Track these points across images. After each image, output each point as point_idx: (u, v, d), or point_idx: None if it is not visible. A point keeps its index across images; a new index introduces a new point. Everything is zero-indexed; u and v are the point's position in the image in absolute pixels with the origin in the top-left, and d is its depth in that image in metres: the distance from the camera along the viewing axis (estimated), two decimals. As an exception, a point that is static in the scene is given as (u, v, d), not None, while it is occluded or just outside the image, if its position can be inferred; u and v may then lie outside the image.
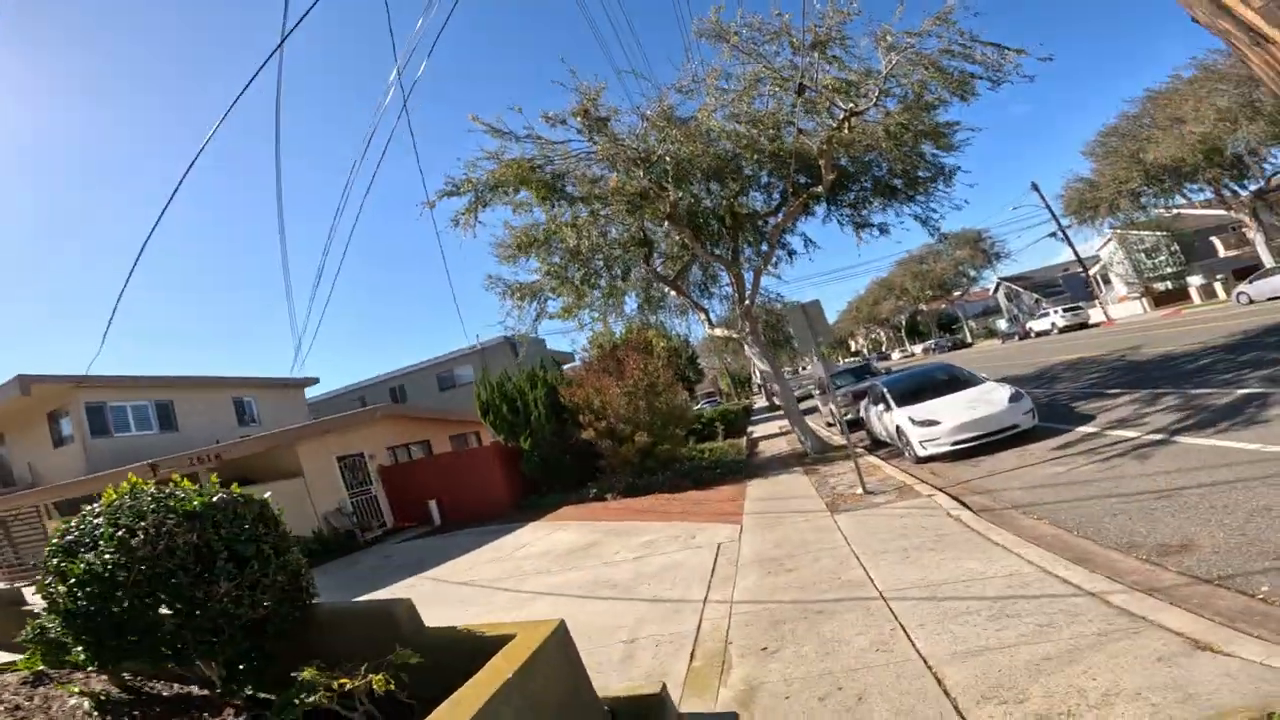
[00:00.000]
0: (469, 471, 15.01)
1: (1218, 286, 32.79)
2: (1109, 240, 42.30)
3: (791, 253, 15.98)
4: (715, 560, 7.26)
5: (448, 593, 8.77)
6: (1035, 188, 35.09)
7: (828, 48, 10.51)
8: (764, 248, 15.18)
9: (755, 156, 13.50)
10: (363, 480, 15.74)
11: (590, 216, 14.96)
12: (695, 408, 43.07)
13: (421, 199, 12.86)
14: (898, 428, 10.82)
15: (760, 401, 52.64)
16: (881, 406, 11.88)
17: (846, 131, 12.35)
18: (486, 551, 11.04)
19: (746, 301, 14.57)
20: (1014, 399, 10.03)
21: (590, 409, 13.45)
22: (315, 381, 26.14)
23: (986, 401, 10.15)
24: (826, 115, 11.94)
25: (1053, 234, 38.22)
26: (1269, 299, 24.60)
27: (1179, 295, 37.49)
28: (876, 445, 13.29)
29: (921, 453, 10.13)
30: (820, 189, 12.95)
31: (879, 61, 11.02)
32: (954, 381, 11.61)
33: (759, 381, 55.98)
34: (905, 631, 4.21)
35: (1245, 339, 14.73)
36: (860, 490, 8.82)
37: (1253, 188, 27.77)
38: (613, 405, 13.13)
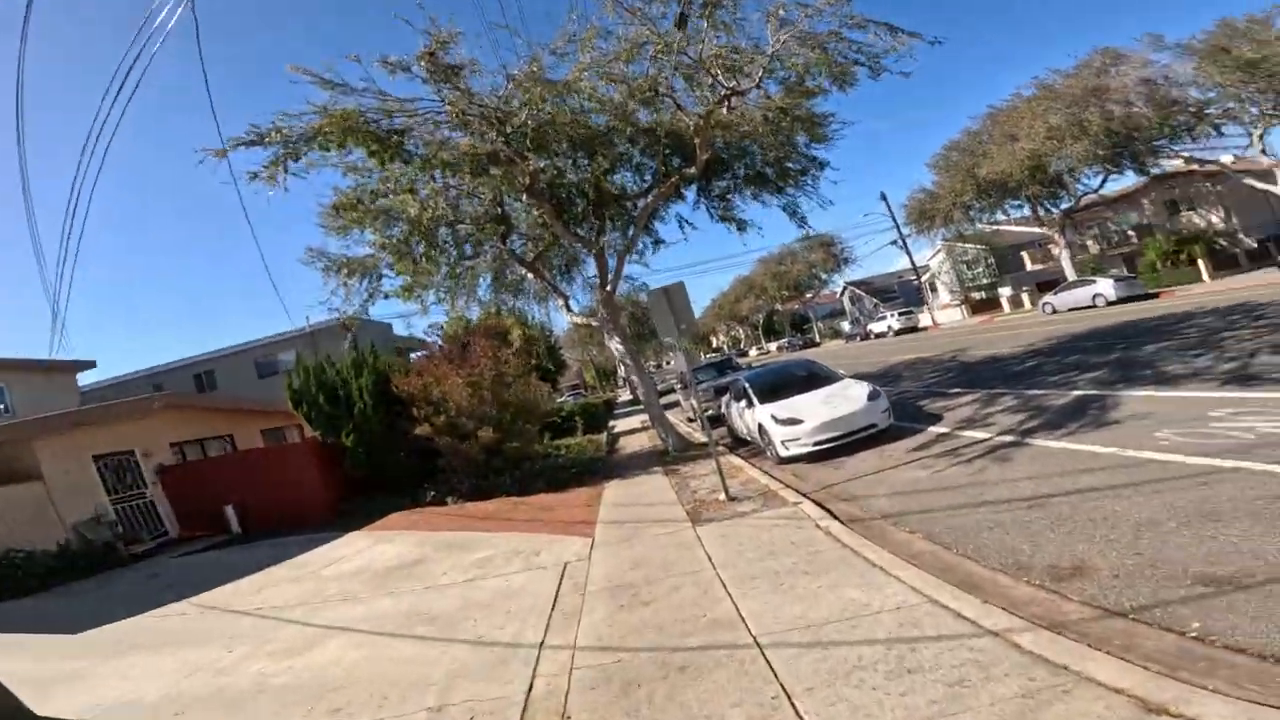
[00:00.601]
0: (277, 471, 12.58)
1: (1024, 297, 37.13)
2: (938, 251, 46.69)
3: (659, 241, 15.16)
4: (560, 585, 6.05)
5: (216, 626, 6.82)
6: (883, 197, 37.75)
7: (717, 10, 9.61)
8: (630, 231, 14.18)
9: (629, 130, 12.43)
10: (134, 483, 12.70)
11: (440, 186, 13.14)
12: (559, 400, 41.64)
13: (215, 146, 10.25)
14: (760, 426, 10.27)
15: (625, 395, 52.40)
16: (744, 403, 11.32)
17: (725, 112, 11.63)
18: (285, 569, 9.03)
19: (608, 288, 13.50)
20: (872, 397, 9.82)
21: (428, 401, 11.68)
22: (90, 365, 21.44)
23: (846, 399, 9.85)
24: (708, 90, 11.12)
25: (894, 242, 41.42)
26: (1069, 309, 28.01)
27: (992, 304, 42.17)
28: (738, 443, 12.83)
29: (784, 453, 9.62)
30: (693, 170, 12.14)
31: (768, 40, 10.34)
32: (814, 378, 11.33)
33: (623, 375, 55.77)
34: (791, 701, 3.25)
35: (1060, 344, 16.14)
36: (723, 496, 8.03)
37: (1064, 206, 31.52)
38: (454, 397, 11.46)
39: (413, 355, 19.13)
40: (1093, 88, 23.20)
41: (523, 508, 10.26)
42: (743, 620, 4.34)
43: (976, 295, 44.40)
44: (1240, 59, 19.20)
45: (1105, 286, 26.94)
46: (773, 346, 65.33)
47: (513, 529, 8.86)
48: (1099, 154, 24.17)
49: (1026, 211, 32.46)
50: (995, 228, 38.13)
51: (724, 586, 5.04)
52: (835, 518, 6.51)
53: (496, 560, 7.40)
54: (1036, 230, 43.80)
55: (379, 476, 12.77)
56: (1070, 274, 31.23)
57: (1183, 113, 22.70)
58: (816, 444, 9.38)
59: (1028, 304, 36.50)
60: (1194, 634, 3.28)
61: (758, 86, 10.87)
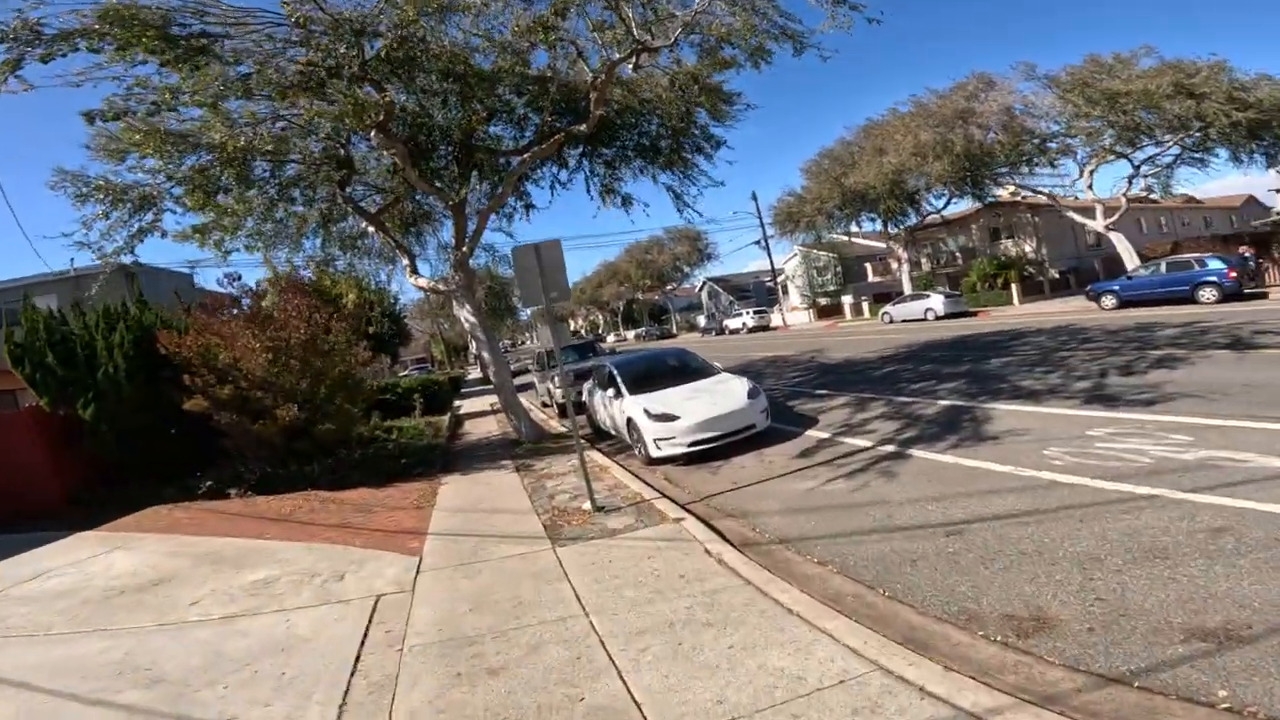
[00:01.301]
0: (-20, 450, 9.18)
1: (865, 306, 39.87)
2: (793, 255, 49.03)
3: (529, 205, 13.38)
4: (366, 633, 4.37)
5: None
6: (754, 197, 38.55)
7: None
8: (499, 189, 12.29)
9: (516, 75, 10.57)
10: None
11: (268, 116, 10.40)
12: (402, 374, 37.76)
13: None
14: (629, 420, 9.06)
15: (474, 373, 49.31)
16: (610, 392, 10.04)
17: (632, 69, 10.20)
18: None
19: (464, 248, 11.54)
20: (752, 395, 9.01)
21: (209, 367, 9.06)
22: None
23: (725, 395, 8.94)
24: (616, 42, 9.59)
25: (757, 241, 42.53)
26: (905, 320, 30.20)
27: (836, 310, 45.02)
28: (599, 435, 11.58)
29: (655, 452, 8.50)
30: (584, 128, 10.58)
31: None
32: (687, 370, 10.37)
33: (474, 351, 52.55)
34: None
35: (911, 352, 16.77)
36: (588, 505, 6.69)
37: (910, 223, 33.98)
38: (248, 364, 8.97)
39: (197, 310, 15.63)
40: (961, 110, 24.83)
41: (332, 507, 8.18)
42: (638, 709, 3.02)
43: (822, 300, 47.17)
44: (1098, 93, 21.29)
45: (936, 302, 29.34)
46: (630, 335, 65.28)
47: (312, 537, 6.85)
48: (954, 174, 26.03)
49: (878, 224, 34.71)
50: (848, 238, 40.59)
51: (603, 646, 3.68)
52: (726, 541, 5.43)
53: (280, 585, 5.45)
54: (880, 245, 47.68)
55: (142, 459, 9.81)
56: (908, 288, 33.80)
57: (1029, 143, 24.97)
58: (692, 444, 8.36)
59: (867, 312, 39.22)
60: (1225, 705, 2.50)
61: (671, 47, 9.61)
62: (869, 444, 8.02)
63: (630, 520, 6.19)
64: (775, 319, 45.68)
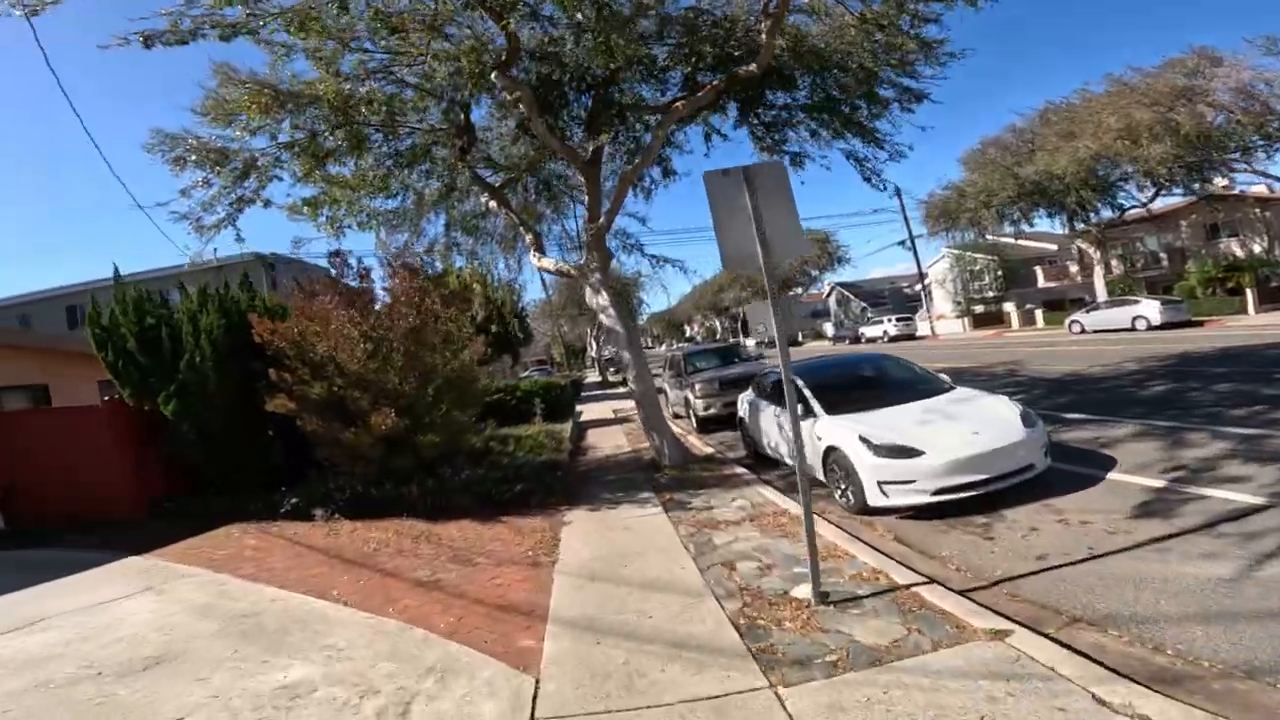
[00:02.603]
0: (65, 445, 8.14)
1: (1038, 314, 34.14)
2: (940, 258, 43.61)
3: (669, 171, 10.98)
4: None
5: None
6: (898, 193, 34.19)
7: None
8: (637, 157, 10.02)
9: (658, 15, 8.38)
10: None
11: (378, 67, 8.99)
12: (523, 375, 37.01)
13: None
14: (829, 450, 6.31)
15: (592, 375, 48.18)
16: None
17: None
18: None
19: (601, 220, 9.34)
20: (1028, 422, 5.99)
21: (304, 359, 7.41)
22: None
23: (988, 422, 5.96)
24: None
25: (902, 242, 38.00)
26: (1101, 330, 24.92)
27: (995, 318, 39.23)
28: (759, 459, 8.95)
29: (876, 499, 5.71)
30: (754, 67, 8.06)
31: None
32: (903, 382, 7.48)
33: (594, 354, 51.44)
34: None
35: (1167, 367, 12.60)
36: (805, 592, 4.05)
37: (1102, 217, 28.39)
38: (344, 356, 7.22)
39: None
40: (1182, 89, 19.90)
41: (425, 547, 6.13)
42: None
43: (978, 308, 41.44)
44: None
45: (1149, 309, 23.86)
46: (750, 342, 61.81)
47: (387, 602, 4.74)
48: (1181, 159, 20.93)
49: (1050, 223, 29.36)
50: (1013, 239, 35.14)
51: None
52: (1124, 676, 2.62)
53: (312, 704, 3.31)
54: (1048, 246, 41.18)
55: (233, 465, 8.41)
56: (1101, 293, 28.18)
57: (1275, 124, 19.57)
58: (941, 491, 5.48)
59: (1041, 321, 33.51)
60: None
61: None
62: (1231, 495, 4.89)
63: (891, 625, 3.52)
64: (922, 327, 40.62)
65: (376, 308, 7.81)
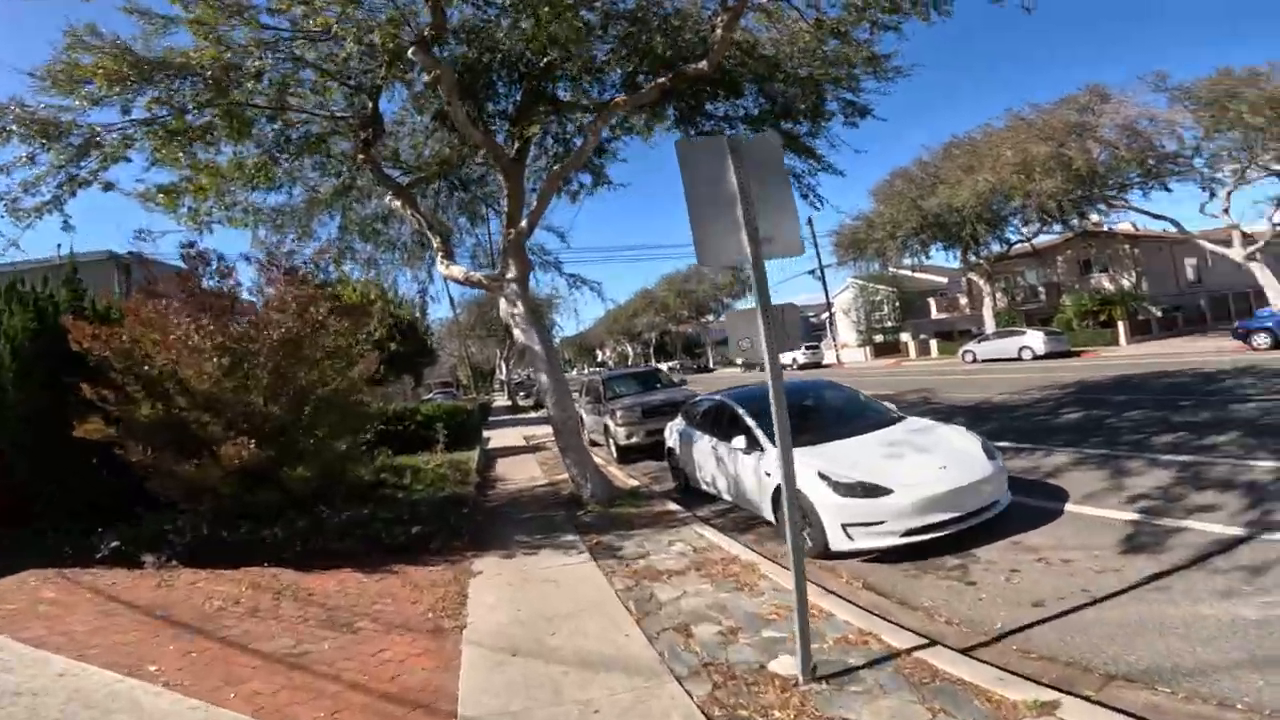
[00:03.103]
0: None
1: (933, 344, 36.03)
2: (846, 288, 45.49)
3: (600, 178, 10.09)
4: None
5: None
6: (810, 222, 35.24)
7: None
8: (578, 143, 9.11)
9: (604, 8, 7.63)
10: None
11: (273, 40, 7.65)
12: (427, 398, 34.44)
13: None
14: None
15: (501, 399, 46.14)
16: (734, 443, 6.48)
17: None
18: None
19: (521, 225, 8.33)
20: (990, 455, 5.55)
21: (135, 372, 5.86)
22: None
23: (953, 455, 5.46)
24: None
25: (812, 271, 39.23)
26: (991, 359, 26.40)
27: (893, 348, 41.17)
28: (688, 491, 8.18)
29: (841, 544, 5.02)
30: (704, 65, 7.42)
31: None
32: (853, 411, 6.96)
33: (503, 376, 49.38)
34: None
35: (1070, 395, 13.05)
36: (791, 666, 3.22)
37: (991, 251, 30.28)
38: (189, 371, 5.75)
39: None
40: (1075, 124, 21.53)
41: (289, 607, 4.80)
42: None
43: (878, 338, 43.43)
44: (1261, 99, 17.86)
45: (1034, 340, 25.58)
46: (664, 367, 61.90)
47: (228, 682, 3.47)
48: (1065, 194, 22.58)
49: (947, 256, 31.16)
50: (911, 271, 37.14)
51: None
52: None
53: None
54: (940, 279, 43.94)
55: (63, 493, 6.57)
56: (990, 324, 30.04)
57: (1155, 161, 21.48)
58: (910, 533, 4.87)
59: (935, 351, 35.38)
60: None
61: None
62: (1236, 530, 4.57)
63: (907, 706, 2.79)
64: (828, 355, 41.98)
65: (245, 315, 6.37)
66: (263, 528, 5.96)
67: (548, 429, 20.86)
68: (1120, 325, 26.85)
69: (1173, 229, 25.34)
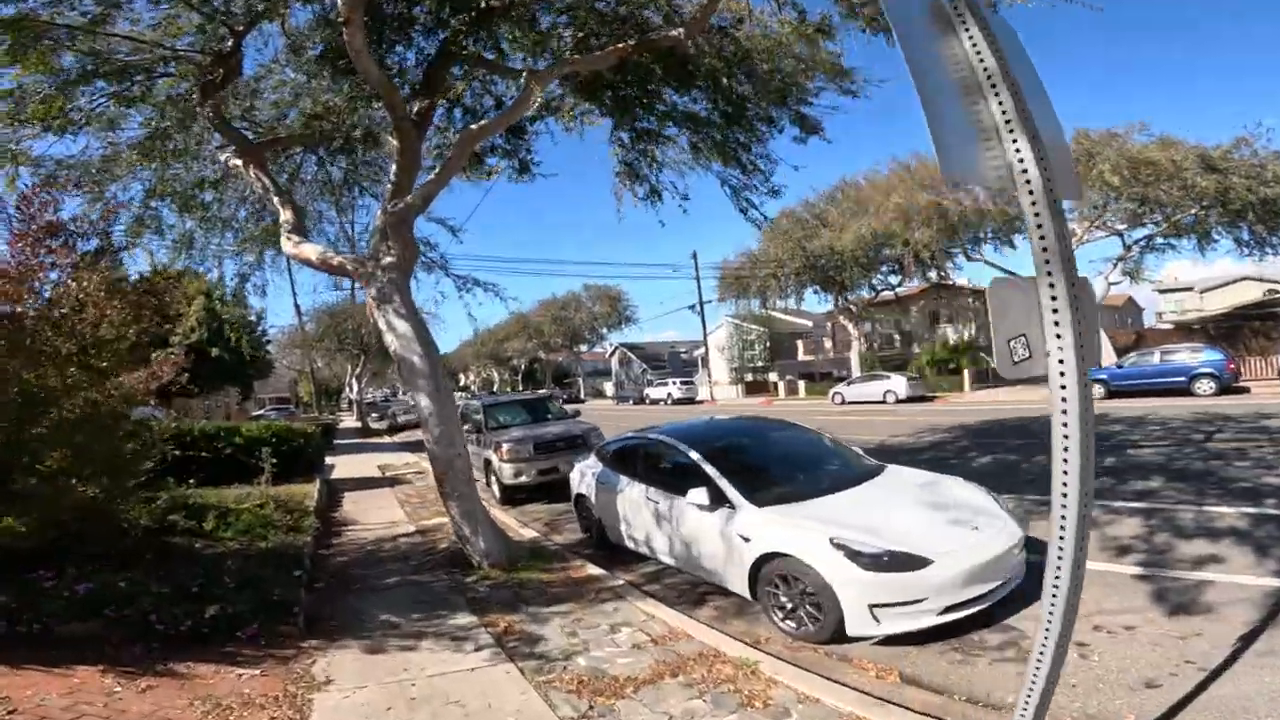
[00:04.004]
0: None
1: (800, 385, 37.31)
2: (720, 325, 46.34)
3: (527, 163, 8.26)
4: None
5: None
6: (694, 256, 35.41)
7: None
8: (492, 115, 7.35)
9: None
10: None
11: None
12: (256, 414, 29.33)
13: None
14: (765, 558, 4.21)
15: (349, 420, 41.14)
16: (692, 496, 4.83)
17: None
18: None
19: (409, 199, 6.41)
20: (1010, 512, 4.61)
21: None
22: None
23: (979, 513, 4.41)
24: None
25: (692, 306, 39.33)
26: (858, 401, 27.45)
27: (762, 387, 42.32)
28: (603, 544, 6.60)
29: (864, 627, 3.78)
30: (682, 33, 6.09)
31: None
32: (823, 458, 5.86)
33: (353, 395, 44.17)
34: None
35: (967, 436, 13.14)
36: None
37: (859, 296, 31.85)
38: None
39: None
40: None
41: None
42: None
43: (748, 376, 44.52)
44: (1120, 160, 19.73)
45: (898, 384, 26.92)
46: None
47: None
48: (936, 243, 24.06)
49: (818, 298, 32.47)
50: (783, 312, 38.39)
51: None
52: None
53: None
54: (804, 323, 46.16)
55: None
56: (856, 368, 31.46)
57: (1008, 214, 23.37)
58: (949, 609, 3.72)
59: (803, 391, 36.63)
60: None
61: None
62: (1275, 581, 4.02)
63: None
64: (702, 391, 42.20)
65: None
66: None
67: (404, 456, 18.31)
68: (965, 373, 29.18)
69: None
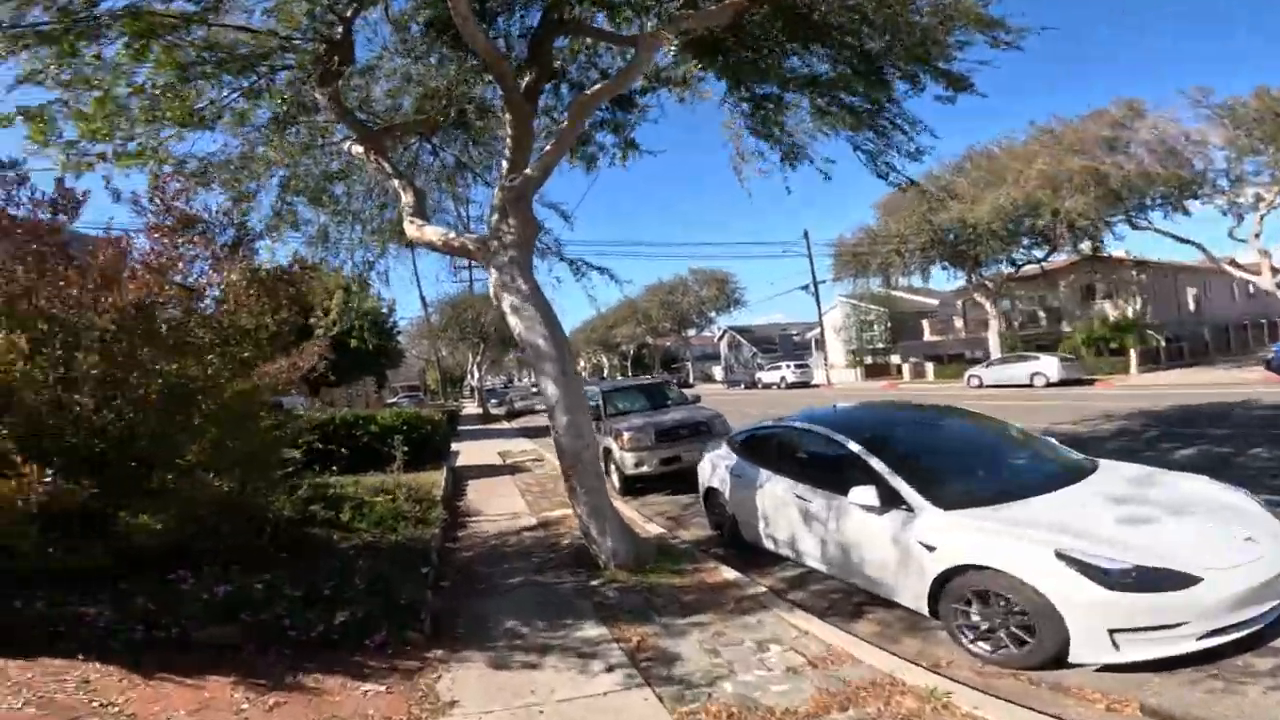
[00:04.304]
0: None
1: (929, 367, 34.57)
2: (835, 306, 44.00)
3: (629, 144, 7.77)
4: None
5: None
6: (806, 235, 33.67)
7: None
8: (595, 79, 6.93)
9: None
10: None
11: None
12: (390, 402, 31.34)
13: None
14: (955, 570, 3.44)
15: (470, 407, 43.26)
16: (855, 495, 4.01)
17: None
18: None
19: (527, 171, 6.09)
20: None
21: None
22: None
23: (1246, 519, 3.41)
24: None
25: (805, 286, 37.56)
26: (999, 385, 24.85)
27: (884, 370, 39.73)
28: (734, 542, 5.97)
29: (1098, 654, 3.06)
30: None
31: None
32: (1026, 458, 4.86)
33: (473, 383, 46.52)
34: None
35: (1147, 424, 11.21)
36: None
37: (994, 273, 28.83)
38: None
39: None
40: (1108, 139, 20.22)
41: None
42: None
43: (868, 359, 41.99)
44: None
45: (1049, 365, 24.07)
46: (644, 381, 59.55)
47: None
48: (1095, 213, 21.21)
49: (946, 275, 29.71)
50: (903, 294, 35.70)
51: None
52: None
53: None
54: (932, 302, 42.72)
55: None
56: (995, 348, 28.53)
57: (1182, 178, 20.23)
58: (1212, 634, 2.83)
59: (931, 374, 33.89)
60: None
61: None
62: None
63: None
64: (817, 375, 40.27)
65: (63, 267, 4.01)
66: (81, 600, 3.59)
67: (521, 443, 18.60)
68: (1132, 354, 25.59)
69: (1178, 256, 24.36)
